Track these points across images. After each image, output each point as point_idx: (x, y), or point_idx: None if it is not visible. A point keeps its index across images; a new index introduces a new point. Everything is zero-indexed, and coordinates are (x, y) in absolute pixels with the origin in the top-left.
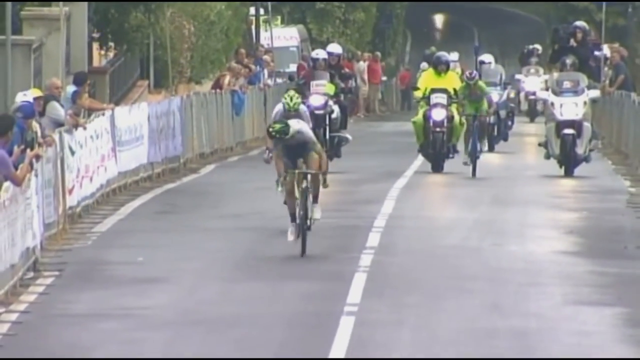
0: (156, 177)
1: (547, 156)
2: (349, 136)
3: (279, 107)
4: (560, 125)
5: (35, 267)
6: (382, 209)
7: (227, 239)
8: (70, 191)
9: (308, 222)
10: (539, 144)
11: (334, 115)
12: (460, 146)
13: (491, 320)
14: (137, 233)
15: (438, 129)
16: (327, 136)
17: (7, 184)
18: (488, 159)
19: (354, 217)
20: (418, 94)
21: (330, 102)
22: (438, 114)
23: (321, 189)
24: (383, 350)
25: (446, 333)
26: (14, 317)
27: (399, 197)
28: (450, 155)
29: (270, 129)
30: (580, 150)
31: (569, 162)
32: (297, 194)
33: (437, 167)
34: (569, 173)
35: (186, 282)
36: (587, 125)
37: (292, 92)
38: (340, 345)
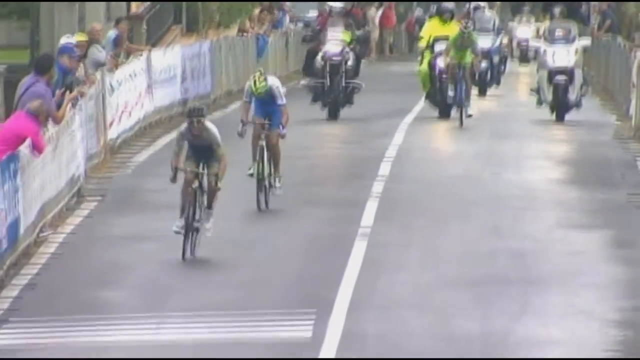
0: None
1: (540, 102)
2: (362, 83)
3: (248, 84)
4: (553, 72)
5: (80, 193)
6: (393, 141)
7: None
8: (111, 125)
9: (195, 224)
10: (531, 90)
11: (349, 63)
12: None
13: (491, 242)
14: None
15: (444, 77)
16: (343, 83)
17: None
18: (483, 101)
19: (367, 148)
20: (422, 43)
21: (346, 50)
22: (443, 62)
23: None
24: (393, 269)
25: (450, 253)
26: (60, 238)
27: (408, 130)
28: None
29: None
30: (572, 96)
31: (560, 108)
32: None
33: (445, 114)
34: (560, 119)
35: (214, 207)
36: (578, 72)
37: (257, 74)
38: (354, 265)
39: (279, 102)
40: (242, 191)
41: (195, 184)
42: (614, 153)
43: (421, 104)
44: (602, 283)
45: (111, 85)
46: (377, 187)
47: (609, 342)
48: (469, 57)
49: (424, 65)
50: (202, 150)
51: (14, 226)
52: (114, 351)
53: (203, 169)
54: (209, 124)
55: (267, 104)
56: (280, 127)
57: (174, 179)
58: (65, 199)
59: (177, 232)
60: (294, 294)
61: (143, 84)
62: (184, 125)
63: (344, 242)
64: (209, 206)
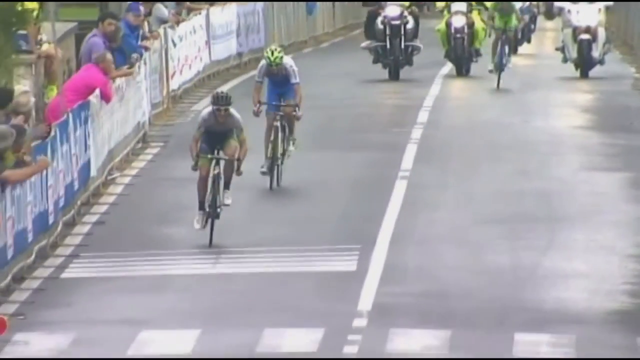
0: (243, 65)
1: (565, 60)
2: (420, 45)
3: (262, 63)
4: (577, 30)
5: (145, 139)
6: (430, 91)
7: (302, 117)
8: (173, 77)
9: (218, 209)
10: (556, 49)
11: (408, 26)
12: (485, 52)
13: (520, 183)
14: None
15: (459, 35)
16: (403, 45)
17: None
18: (514, 57)
19: (407, 98)
20: (440, 4)
21: (405, 13)
22: (458, 21)
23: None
24: (430, 208)
25: (483, 193)
26: (127, 180)
27: (443, 81)
28: (474, 59)
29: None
30: (595, 53)
31: (585, 65)
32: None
33: (460, 71)
34: (584, 75)
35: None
36: (601, 30)
37: (273, 46)
38: (395, 204)
39: (293, 80)
40: (297, 132)
41: (216, 170)
42: (633, 102)
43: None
44: (622, 221)
45: (173, 41)
46: (416, 134)
47: (628, 275)
48: (514, 21)
49: (442, 25)
50: (219, 136)
51: (85, 169)
52: (175, 282)
53: (218, 153)
54: (232, 110)
55: (281, 83)
56: (296, 108)
57: (195, 167)
58: (132, 144)
59: (198, 229)
60: (340, 231)
61: (202, 39)
62: (207, 111)
63: (385, 183)
64: (227, 186)
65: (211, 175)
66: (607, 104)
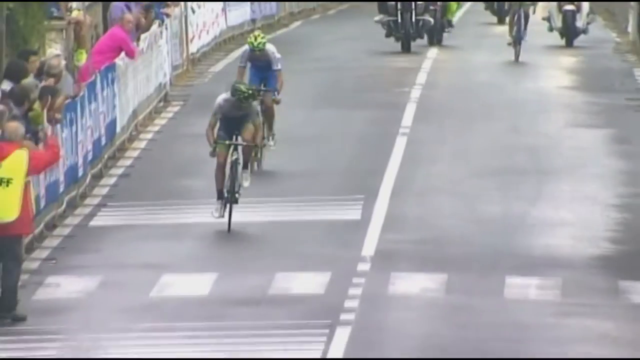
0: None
1: (550, 29)
2: (431, 20)
3: (245, 48)
4: (562, 2)
5: (166, 98)
6: (428, 54)
7: (309, 77)
8: (192, 41)
9: (236, 194)
10: (543, 19)
11: (419, 2)
12: (458, 24)
13: (511, 139)
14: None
15: (432, 7)
16: (413, 19)
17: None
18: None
19: (407, 61)
20: None
21: None
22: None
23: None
24: (429, 162)
25: (477, 148)
26: (149, 135)
27: (440, 46)
28: (446, 30)
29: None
30: (579, 23)
31: (569, 34)
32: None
33: (432, 41)
34: (569, 44)
35: (279, 109)
36: (585, 2)
37: (256, 32)
38: (396, 159)
39: (275, 67)
40: (305, 91)
41: (234, 156)
42: (614, 64)
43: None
44: (604, 173)
45: (192, 8)
46: (415, 93)
47: (610, 223)
48: None
49: None
50: (236, 121)
51: (111, 125)
52: (194, 230)
53: (236, 139)
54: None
55: (263, 69)
56: (275, 92)
57: (213, 153)
58: (154, 103)
59: (217, 217)
60: (345, 183)
61: (219, 6)
62: (222, 97)
63: (387, 139)
64: (245, 166)
65: (229, 161)
66: (590, 66)
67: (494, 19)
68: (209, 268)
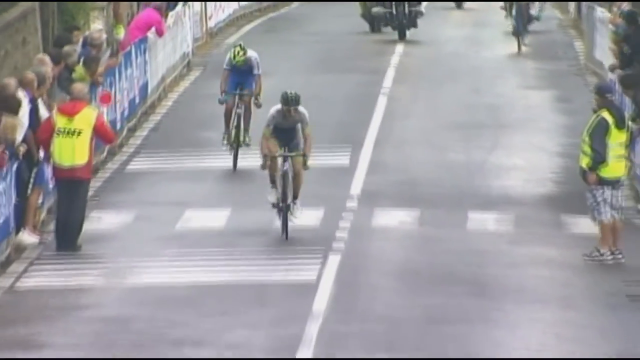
0: (263, 9)
1: (507, 16)
2: (423, 10)
3: (229, 54)
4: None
5: (188, 65)
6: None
7: (308, 48)
8: (210, 18)
9: (290, 204)
10: (501, 8)
11: None
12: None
13: (473, 98)
14: (252, 44)
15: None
16: (407, 11)
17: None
18: (472, 5)
19: (387, 35)
20: None
21: None
22: None
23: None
24: (405, 117)
25: (445, 106)
26: (175, 96)
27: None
28: (419, 17)
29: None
30: (532, 11)
31: (523, 22)
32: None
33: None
34: (524, 29)
35: (282, 74)
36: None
37: (237, 48)
38: (378, 114)
39: (255, 72)
40: (305, 60)
41: (285, 167)
42: (557, 37)
43: (424, 4)
44: (550, 127)
45: None
46: (394, 60)
47: (554, 167)
48: None
49: None
50: (287, 132)
51: (144, 87)
52: (212, 173)
53: (287, 150)
54: (300, 107)
55: (244, 73)
56: (257, 97)
57: (264, 166)
58: (179, 69)
59: (274, 205)
60: (336, 134)
61: None
62: (275, 109)
63: (370, 98)
64: (296, 196)
65: (281, 173)
66: (538, 39)
67: (453, 4)
68: (224, 204)
